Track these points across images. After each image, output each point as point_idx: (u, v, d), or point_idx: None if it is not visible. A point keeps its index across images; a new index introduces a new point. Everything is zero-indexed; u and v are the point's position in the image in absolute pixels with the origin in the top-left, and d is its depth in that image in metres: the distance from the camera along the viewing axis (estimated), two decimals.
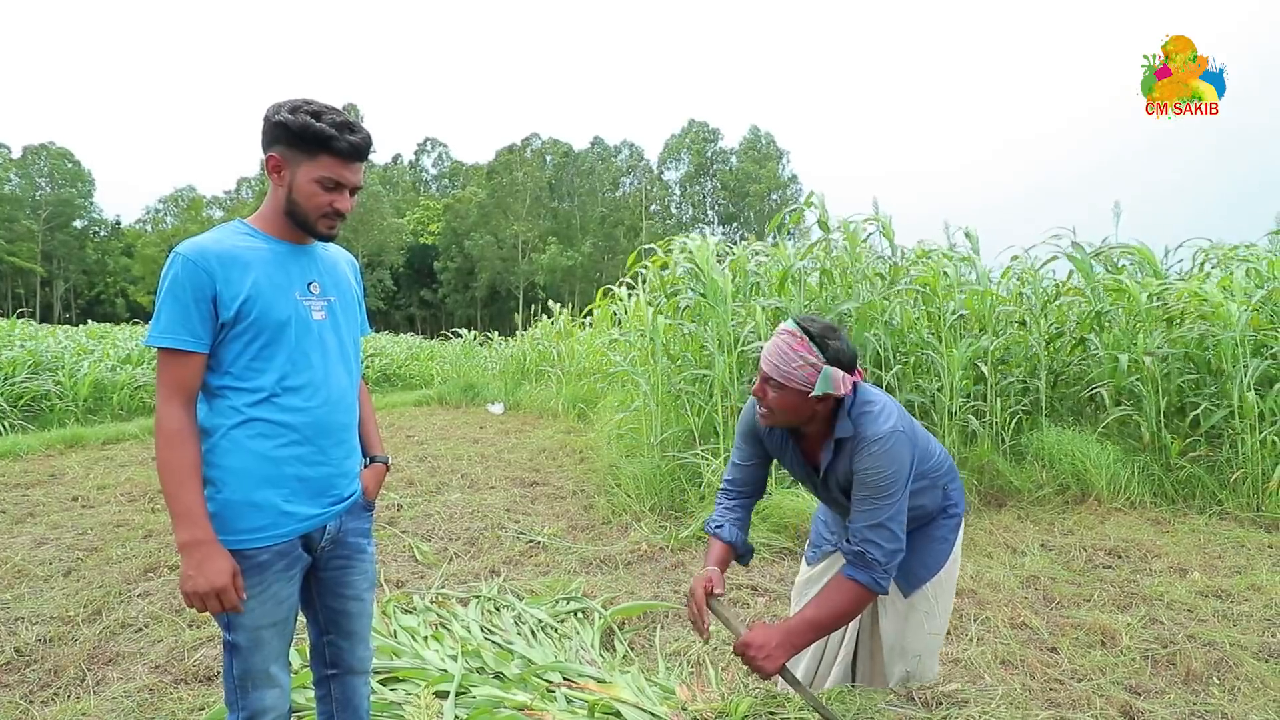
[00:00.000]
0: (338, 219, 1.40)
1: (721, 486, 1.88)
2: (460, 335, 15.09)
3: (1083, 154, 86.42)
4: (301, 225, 1.39)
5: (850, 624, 1.84)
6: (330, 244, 1.54)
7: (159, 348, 1.28)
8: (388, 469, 1.68)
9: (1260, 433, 4.22)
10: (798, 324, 1.56)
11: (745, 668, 1.54)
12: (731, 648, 1.54)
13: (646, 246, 5.77)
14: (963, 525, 1.83)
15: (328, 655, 1.57)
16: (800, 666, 1.88)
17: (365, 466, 1.61)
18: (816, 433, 1.67)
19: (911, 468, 1.57)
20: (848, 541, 1.59)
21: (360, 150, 1.36)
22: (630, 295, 6.14)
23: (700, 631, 1.63)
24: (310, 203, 1.36)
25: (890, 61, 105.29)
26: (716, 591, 1.64)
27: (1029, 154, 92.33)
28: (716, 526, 1.80)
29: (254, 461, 1.33)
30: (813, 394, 1.53)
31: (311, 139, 1.32)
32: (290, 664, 2.33)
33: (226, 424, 1.32)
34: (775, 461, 1.86)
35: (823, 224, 5.35)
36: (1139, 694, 2.26)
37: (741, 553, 1.80)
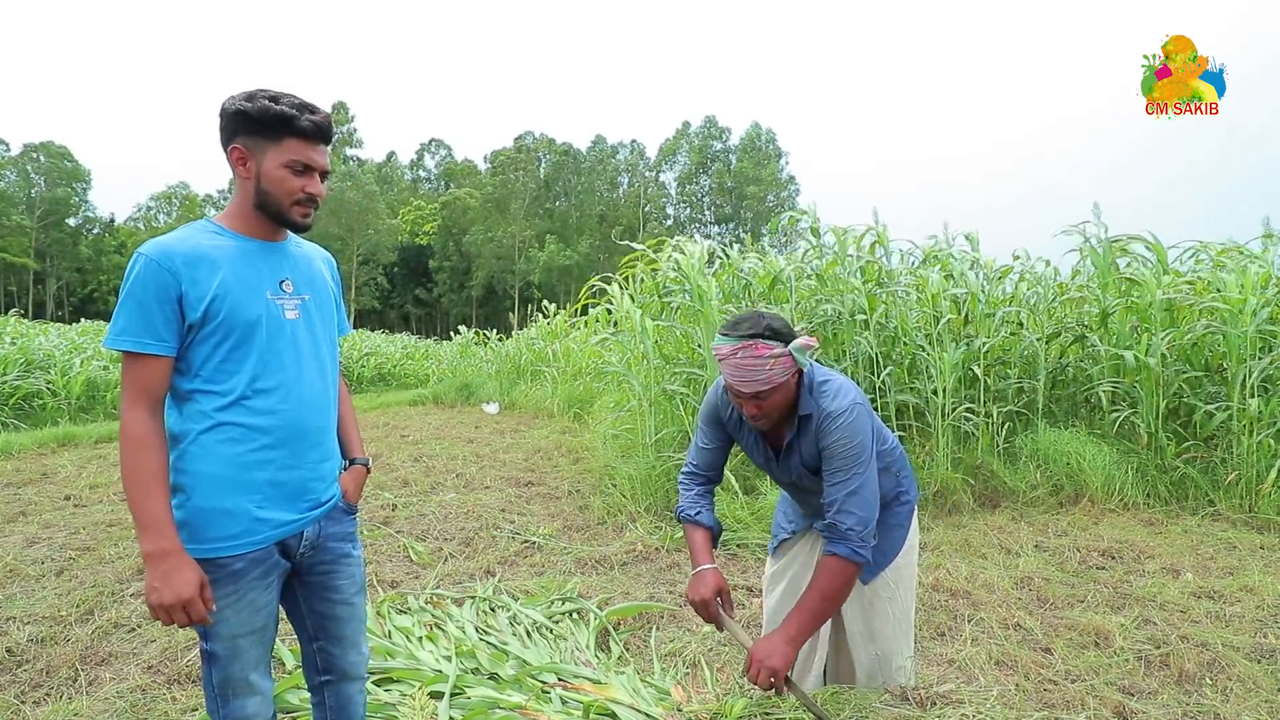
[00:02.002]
0: (311, 205, 1.37)
1: (686, 471, 1.91)
2: (460, 334, 15.06)
3: (1081, 151, 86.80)
4: (274, 216, 1.35)
5: (820, 644, 1.88)
6: (304, 241, 1.50)
7: (122, 351, 1.24)
8: (368, 471, 1.63)
9: (1256, 434, 4.25)
10: (737, 337, 1.57)
11: (747, 673, 1.55)
12: (744, 667, 1.59)
13: (630, 244, 5.71)
14: (916, 513, 1.90)
15: (319, 662, 1.53)
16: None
17: (345, 469, 1.56)
18: (781, 415, 1.70)
19: (873, 438, 1.64)
20: (822, 519, 1.63)
21: (323, 130, 1.34)
22: (623, 293, 6.13)
23: (719, 626, 1.72)
24: (281, 189, 1.33)
25: (891, 56, 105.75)
26: (727, 610, 1.71)
27: (1026, 151, 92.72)
28: (696, 514, 1.84)
29: (225, 467, 1.29)
30: (792, 376, 1.60)
31: (273, 122, 1.30)
32: (284, 664, 2.33)
33: (196, 429, 1.28)
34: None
35: (814, 231, 5.40)
36: (1132, 694, 2.27)
37: (717, 534, 1.87)
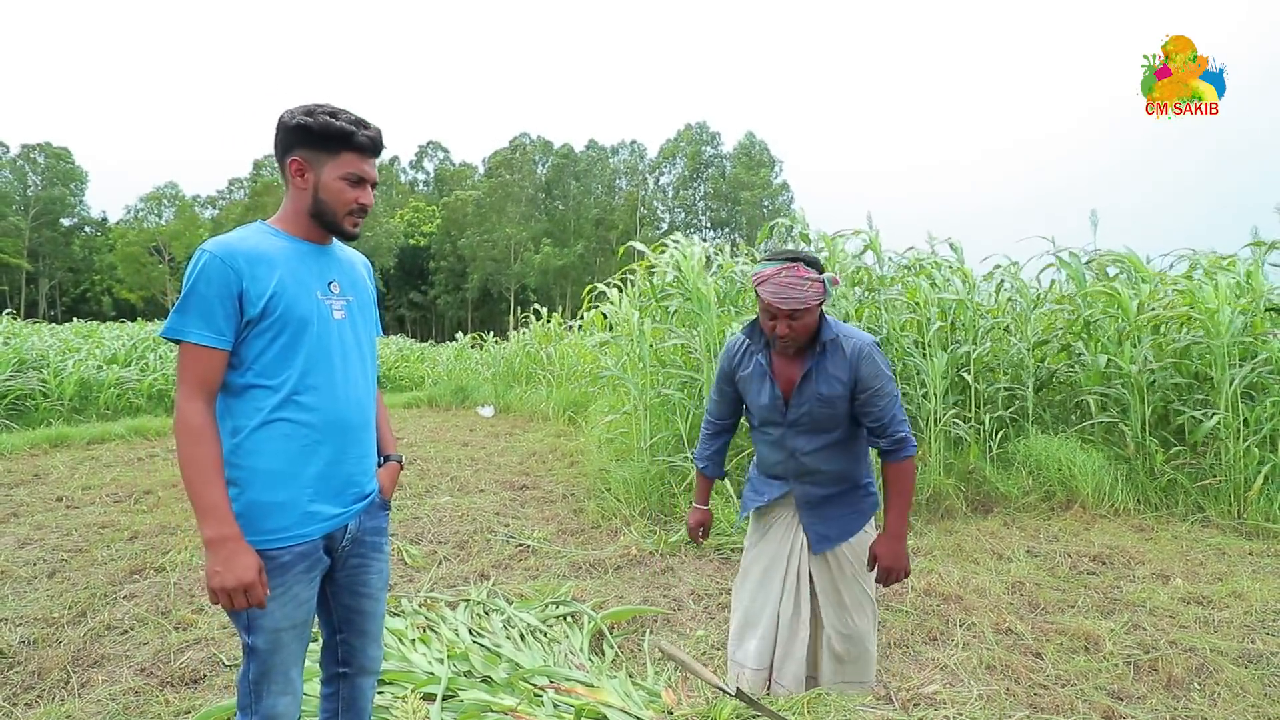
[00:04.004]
0: (362, 216, 1.44)
1: (706, 419, 2.17)
2: (458, 339, 15.06)
3: (1079, 157, 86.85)
4: (329, 225, 1.43)
5: (802, 623, 1.94)
6: (346, 245, 1.57)
7: (183, 343, 1.29)
8: (401, 467, 1.71)
9: (1243, 440, 4.28)
10: (783, 259, 1.78)
11: (881, 581, 1.83)
12: (878, 574, 1.86)
13: (632, 244, 5.75)
14: (875, 515, 2.06)
15: (340, 654, 1.58)
16: (747, 669, 1.96)
17: (380, 466, 1.63)
18: (800, 350, 1.89)
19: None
20: (882, 438, 1.85)
21: (376, 144, 1.42)
22: (621, 297, 6.16)
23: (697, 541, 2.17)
24: (338, 200, 1.40)
25: (887, 59, 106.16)
26: (703, 538, 2.16)
27: (1024, 155, 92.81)
28: (703, 466, 2.17)
29: (279, 461, 1.34)
30: (824, 301, 1.80)
31: (333, 137, 1.37)
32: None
33: (250, 424, 1.34)
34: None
35: (803, 237, 5.43)
36: (1121, 699, 2.29)
37: (719, 478, 2.22)
